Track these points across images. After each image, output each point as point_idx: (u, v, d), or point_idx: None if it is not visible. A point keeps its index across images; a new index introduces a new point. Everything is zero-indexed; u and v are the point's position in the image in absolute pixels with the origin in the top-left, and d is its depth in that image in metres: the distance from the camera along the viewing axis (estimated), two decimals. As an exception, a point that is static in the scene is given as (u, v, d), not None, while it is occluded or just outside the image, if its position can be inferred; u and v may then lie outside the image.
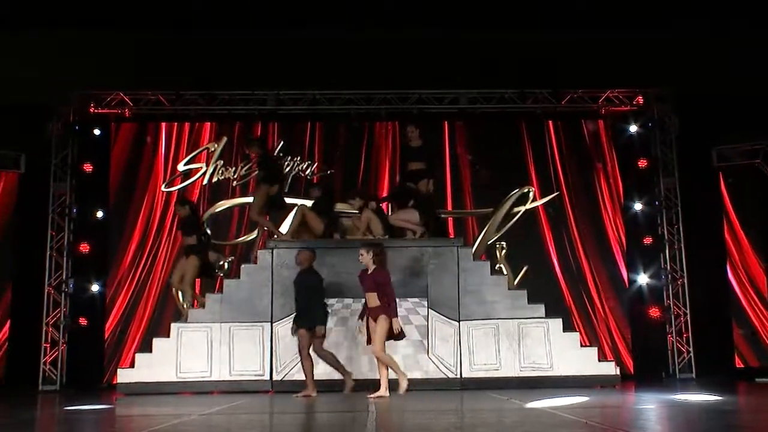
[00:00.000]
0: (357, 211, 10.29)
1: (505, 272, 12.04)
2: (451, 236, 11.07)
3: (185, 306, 10.30)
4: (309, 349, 8.64)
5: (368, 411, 6.48)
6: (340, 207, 11.10)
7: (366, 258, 8.28)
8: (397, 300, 9.07)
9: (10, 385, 11.34)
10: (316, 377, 8.71)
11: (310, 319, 8.58)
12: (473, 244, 12.01)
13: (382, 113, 12.59)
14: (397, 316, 8.17)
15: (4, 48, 11.58)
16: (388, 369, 8.28)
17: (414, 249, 9.75)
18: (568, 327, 10.10)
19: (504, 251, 12.45)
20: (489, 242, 12.46)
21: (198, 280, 10.59)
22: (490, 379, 9.39)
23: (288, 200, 11.30)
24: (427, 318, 9.60)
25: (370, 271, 8.27)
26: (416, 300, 9.63)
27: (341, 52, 12.25)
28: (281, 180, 10.66)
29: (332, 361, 8.84)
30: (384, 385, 8.17)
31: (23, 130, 12.01)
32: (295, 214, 10.38)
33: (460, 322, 9.57)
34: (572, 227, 12.52)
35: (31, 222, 11.92)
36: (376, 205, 10.29)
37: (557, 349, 9.51)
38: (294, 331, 8.72)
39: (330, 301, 9.25)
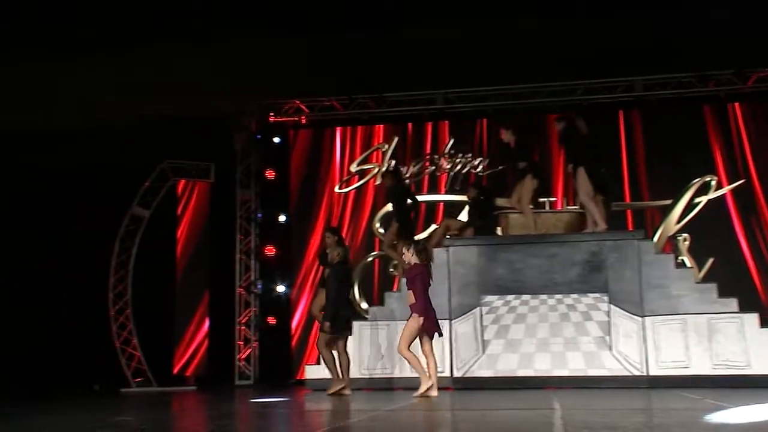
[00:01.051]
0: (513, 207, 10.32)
1: (688, 265, 11.47)
2: (630, 229, 10.71)
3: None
4: (329, 342, 8.76)
5: (553, 408, 6.40)
6: (500, 202, 11.08)
7: (407, 256, 8.11)
8: (576, 296, 8.95)
9: (211, 380, 12.16)
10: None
11: (328, 315, 8.71)
12: (653, 237, 11.55)
13: (552, 106, 12.38)
14: (424, 314, 7.86)
15: (194, 65, 12.43)
16: (432, 364, 8.01)
17: (592, 243, 9.50)
18: (766, 323, 9.44)
19: (687, 243, 11.88)
20: (670, 234, 11.93)
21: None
22: (680, 378, 8.96)
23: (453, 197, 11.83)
24: (608, 314, 9.31)
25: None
26: (596, 295, 9.36)
27: (505, 47, 12.14)
28: (410, 218, 10.85)
29: (345, 364, 8.80)
30: (425, 382, 7.92)
31: (211, 142, 12.84)
32: (439, 227, 10.74)
33: (644, 318, 9.21)
34: (764, 216, 11.72)
35: (222, 227, 12.74)
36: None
37: (754, 346, 8.90)
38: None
39: (508, 298, 9.25)
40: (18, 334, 12.67)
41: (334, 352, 8.91)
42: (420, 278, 7.98)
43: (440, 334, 8.14)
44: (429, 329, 7.99)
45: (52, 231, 12.91)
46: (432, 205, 12.68)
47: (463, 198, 11.77)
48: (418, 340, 8.06)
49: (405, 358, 8.06)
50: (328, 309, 8.76)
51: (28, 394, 10.73)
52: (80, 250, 12.51)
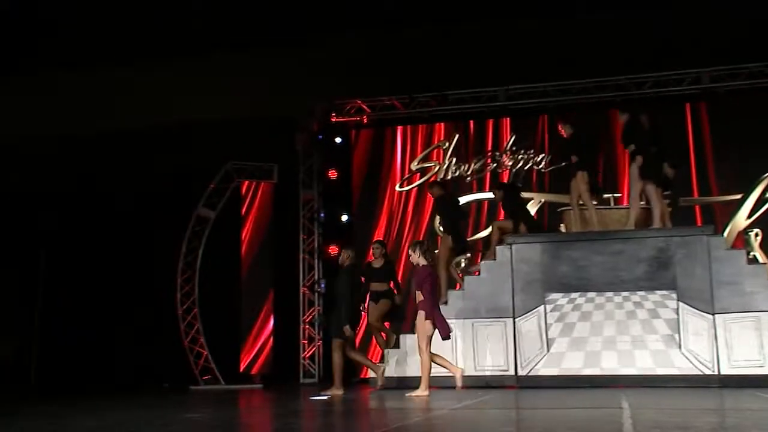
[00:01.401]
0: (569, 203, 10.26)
1: (761, 261, 11.14)
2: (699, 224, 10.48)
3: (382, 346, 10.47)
4: (340, 350, 9.15)
5: (621, 408, 6.30)
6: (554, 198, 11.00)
7: (414, 257, 8.26)
8: (643, 293, 8.83)
9: (276, 378, 12.32)
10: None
11: (335, 326, 9.05)
12: (723, 233, 11.25)
13: (617, 101, 12.15)
14: (432, 316, 7.97)
15: (255, 67, 12.61)
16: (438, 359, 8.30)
17: (659, 239, 9.30)
18: (843, 320, 9.09)
19: (759, 239, 11.54)
20: (740, 230, 11.61)
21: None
22: (753, 377, 8.69)
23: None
24: (677, 311, 9.10)
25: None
26: (664, 292, 9.16)
27: (569, 41, 11.98)
28: (460, 229, 10.87)
29: (362, 358, 9.40)
30: (423, 383, 8.11)
31: (273, 143, 13.00)
32: (491, 232, 10.79)
33: (715, 315, 8.97)
34: (844, 209, 11.30)
35: (285, 227, 12.88)
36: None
37: (834, 345, 8.60)
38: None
39: (573, 296, 9.15)
40: (92, 333, 13.08)
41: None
42: (430, 279, 8.13)
43: (448, 337, 8.28)
44: (440, 330, 8.13)
45: (121, 233, 13.28)
46: (494, 202, 12.58)
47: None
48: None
49: (424, 358, 8.14)
50: (344, 314, 8.94)
51: (103, 391, 11.05)
52: (149, 251, 12.84)
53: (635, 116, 9.80)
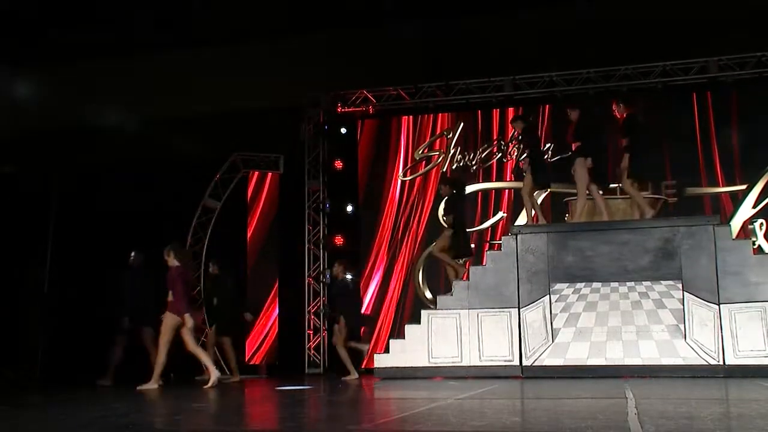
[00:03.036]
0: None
1: (766, 251, 11.13)
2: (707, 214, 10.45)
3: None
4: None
5: (626, 398, 6.29)
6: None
7: (170, 260, 8.63)
8: (648, 283, 8.88)
9: (281, 368, 12.37)
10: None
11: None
12: (728, 222, 11.23)
13: (623, 90, 12.11)
14: (186, 312, 8.49)
15: (261, 58, 12.59)
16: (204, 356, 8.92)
17: (665, 229, 9.27)
18: None
19: (764, 229, 11.51)
20: (745, 220, 11.59)
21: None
22: (758, 367, 8.67)
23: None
24: (682, 301, 9.09)
25: None
26: (670, 283, 9.14)
27: (576, 30, 11.92)
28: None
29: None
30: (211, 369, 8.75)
31: (280, 133, 13.01)
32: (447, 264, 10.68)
33: (720, 305, 8.94)
34: None
35: (291, 218, 12.91)
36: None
37: (837, 335, 8.59)
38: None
39: (578, 286, 9.14)
40: (96, 325, 13.11)
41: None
42: (180, 279, 8.54)
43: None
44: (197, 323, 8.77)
45: (126, 224, 13.29)
46: (499, 192, 12.59)
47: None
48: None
49: (160, 353, 8.70)
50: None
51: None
52: (155, 242, 12.84)
53: (587, 113, 9.86)
